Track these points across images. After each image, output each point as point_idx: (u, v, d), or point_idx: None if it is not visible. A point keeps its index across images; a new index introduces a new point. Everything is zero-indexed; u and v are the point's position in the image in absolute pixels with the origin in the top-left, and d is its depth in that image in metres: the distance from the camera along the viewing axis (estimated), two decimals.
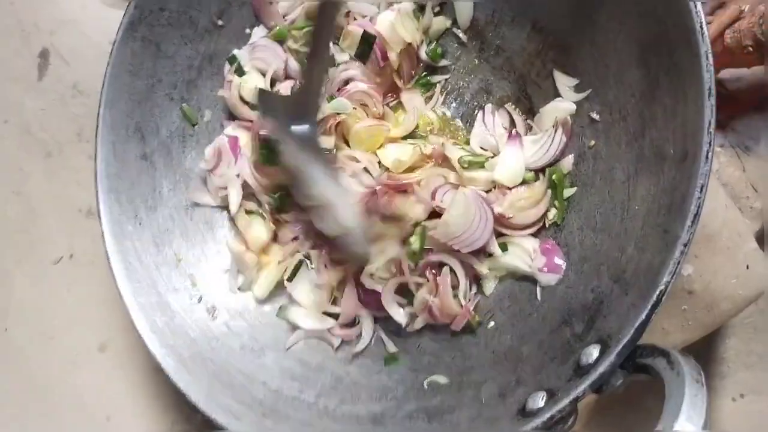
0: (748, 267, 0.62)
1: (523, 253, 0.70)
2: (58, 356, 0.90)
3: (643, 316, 0.50)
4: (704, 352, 0.78)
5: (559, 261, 0.67)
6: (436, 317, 0.69)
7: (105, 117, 0.71)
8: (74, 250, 0.93)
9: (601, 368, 0.51)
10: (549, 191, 0.70)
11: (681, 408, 0.42)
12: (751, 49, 0.72)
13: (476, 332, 0.70)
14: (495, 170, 0.70)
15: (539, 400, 0.55)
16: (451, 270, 0.70)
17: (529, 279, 0.69)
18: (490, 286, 0.72)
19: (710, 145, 0.51)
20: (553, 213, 0.70)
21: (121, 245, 0.69)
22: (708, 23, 0.57)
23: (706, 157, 0.51)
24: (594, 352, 0.54)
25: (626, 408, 0.74)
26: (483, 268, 0.70)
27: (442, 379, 0.67)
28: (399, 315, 0.71)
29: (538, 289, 0.68)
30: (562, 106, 0.71)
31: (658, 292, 0.50)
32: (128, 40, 0.71)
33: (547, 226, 0.70)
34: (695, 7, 0.52)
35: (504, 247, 0.70)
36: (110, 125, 0.72)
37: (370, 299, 0.72)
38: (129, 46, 0.72)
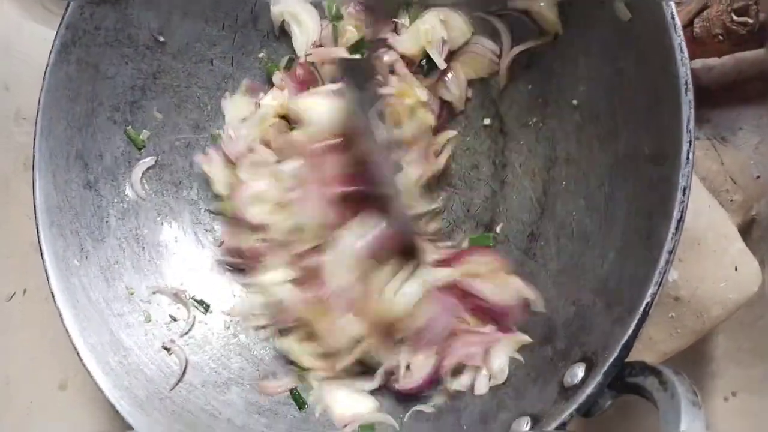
0: (736, 269, 0.58)
1: None
2: (17, 398, 0.84)
3: (630, 331, 0.47)
4: (692, 351, 0.73)
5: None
6: None
7: (42, 147, 0.66)
8: (27, 285, 0.88)
9: (588, 390, 0.47)
10: None
11: None
12: (721, 38, 0.70)
13: None
14: None
15: (523, 426, 0.51)
16: None
17: None
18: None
19: (690, 144, 0.47)
20: None
21: (67, 282, 0.65)
22: None
23: (687, 158, 0.47)
24: (579, 371, 0.50)
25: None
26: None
27: (427, 409, 0.63)
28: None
29: None
30: None
31: (644, 305, 0.47)
32: (62, 64, 0.66)
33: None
34: None
35: None
36: (48, 155, 0.66)
37: None
38: (63, 70, 0.66)
